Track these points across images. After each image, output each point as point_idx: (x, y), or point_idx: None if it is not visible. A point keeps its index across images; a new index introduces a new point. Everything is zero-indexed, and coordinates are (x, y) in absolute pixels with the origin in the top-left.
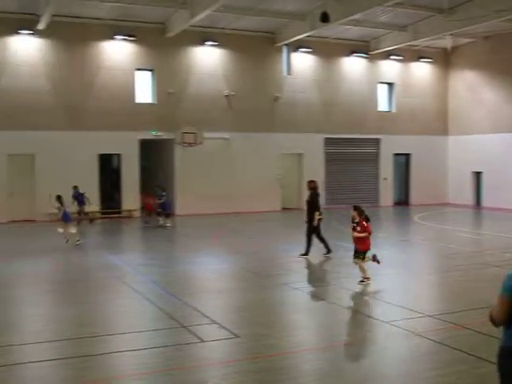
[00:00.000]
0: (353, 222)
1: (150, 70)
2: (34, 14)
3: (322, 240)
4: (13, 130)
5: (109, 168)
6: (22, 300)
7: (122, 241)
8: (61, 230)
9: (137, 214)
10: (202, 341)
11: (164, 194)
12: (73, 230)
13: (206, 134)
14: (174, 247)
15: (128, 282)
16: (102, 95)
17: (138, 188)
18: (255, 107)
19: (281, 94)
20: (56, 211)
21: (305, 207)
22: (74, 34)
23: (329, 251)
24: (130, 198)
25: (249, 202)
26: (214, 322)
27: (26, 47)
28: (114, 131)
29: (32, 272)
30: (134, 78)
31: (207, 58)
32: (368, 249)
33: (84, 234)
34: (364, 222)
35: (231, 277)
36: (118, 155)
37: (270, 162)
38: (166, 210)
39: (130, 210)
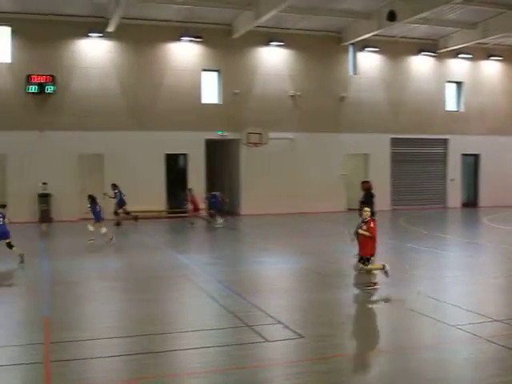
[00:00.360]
0: (362, 222)
1: (216, 71)
2: (103, 17)
3: None
4: (83, 131)
5: (175, 168)
6: (92, 297)
7: (188, 240)
8: (91, 228)
9: (202, 213)
10: (266, 340)
11: (214, 194)
12: (104, 229)
13: (271, 134)
14: (239, 247)
15: (194, 281)
16: (169, 96)
17: (204, 188)
18: (320, 107)
19: (347, 93)
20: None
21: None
22: (141, 36)
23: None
24: (197, 197)
25: (313, 203)
26: (279, 322)
27: (96, 50)
28: (181, 131)
29: (102, 269)
30: (200, 79)
31: (273, 59)
32: (371, 253)
33: (145, 233)
34: (372, 223)
35: (296, 277)
36: (185, 155)
37: (335, 163)
38: (219, 211)
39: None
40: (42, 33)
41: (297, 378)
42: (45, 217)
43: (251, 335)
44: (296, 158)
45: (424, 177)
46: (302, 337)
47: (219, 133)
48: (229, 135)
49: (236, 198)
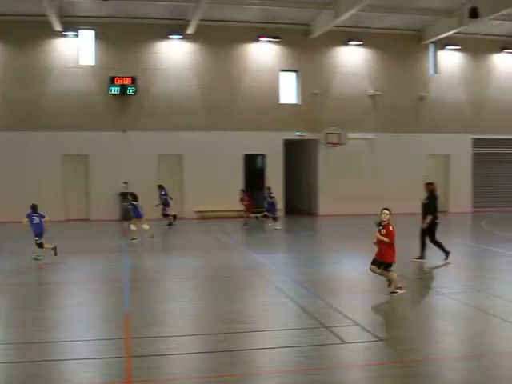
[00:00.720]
0: (380, 225)
1: (295, 71)
2: (182, 20)
3: (438, 244)
4: (163, 131)
5: (253, 168)
6: (171, 294)
7: (265, 240)
8: (133, 228)
9: (280, 213)
10: (344, 342)
11: (272, 194)
12: (146, 226)
13: (350, 135)
14: (316, 247)
15: (271, 280)
16: (248, 96)
17: (282, 188)
18: (400, 107)
19: (427, 93)
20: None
21: (451, 210)
22: (220, 37)
23: (447, 256)
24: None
25: (392, 204)
26: (356, 324)
27: (176, 51)
28: (259, 131)
29: (180, 267)
30: (278, 79)
31: (351, 58)
32: (392, 261)
33: (222, 232)
34: (390, 227)
35: (373, 278)
36: (263, 155)
37: (415, 164)
38: (272, 213)
39: None
40: (124, 36)
41: (374, 381)
42: (125, 215)
43: (329, 336)
44: (374, 159)
45: (508, 178)
46: (381, 340)
47: (297, 133)
48: (307, 135)
49: (314, 199)
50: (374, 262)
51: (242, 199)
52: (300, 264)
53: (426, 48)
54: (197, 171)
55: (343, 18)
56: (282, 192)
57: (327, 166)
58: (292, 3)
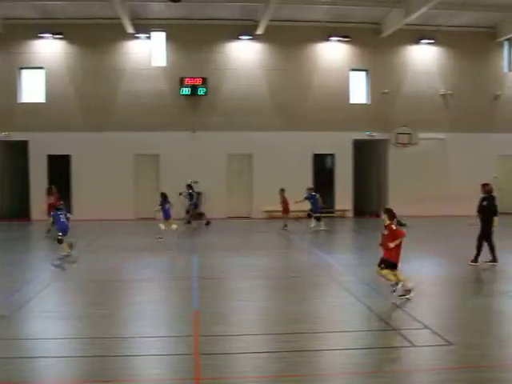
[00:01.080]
0: (402, 225)
1: (365, 70)
2: (252, 20)
3: (492, 247)
4: (232, 131)
5: (323, 168)
6: (239, 293)
7: (333, 240)
8: (162, 227)
9: (349, 214)
10: (413, 345)
11: (314, 194)
12: (174, 226)
13: (421, 135)
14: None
15: (340, 281)
16: (317, 96)
17: (351, 188)
18: (473, 106)
19: (502, 91)
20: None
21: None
22: (289, 37)
23: (494, 260)
24: (344, 198)
25: (463, 205)
26: (426, 327)
27: (245, 52)
28: (328, 131)
29: (247, 266)
30: (348, 79)
31: (422, 57)
32: (398, 260)
33: (291, 232)
34: (393, 226)
35: (442, 281)
36: (332, 155)
37: (487, 164)
38: (316, 213)
39: (342, 210)
40: (194, 37)
41: None
42: (191, 215)
43: (397, 339)
44: (446, 159)
45: None
46: (451, 344)
47: (367, 133)
48: (377, 135)
49: (383, 199)
50: (380, 265)
51: (282, 200)
52: (368, 265)
53: (500, 45)
54: (266, 171)
55: (414, 16)
56: (351, 193)
57: (397, 167)
58: (362, 2)
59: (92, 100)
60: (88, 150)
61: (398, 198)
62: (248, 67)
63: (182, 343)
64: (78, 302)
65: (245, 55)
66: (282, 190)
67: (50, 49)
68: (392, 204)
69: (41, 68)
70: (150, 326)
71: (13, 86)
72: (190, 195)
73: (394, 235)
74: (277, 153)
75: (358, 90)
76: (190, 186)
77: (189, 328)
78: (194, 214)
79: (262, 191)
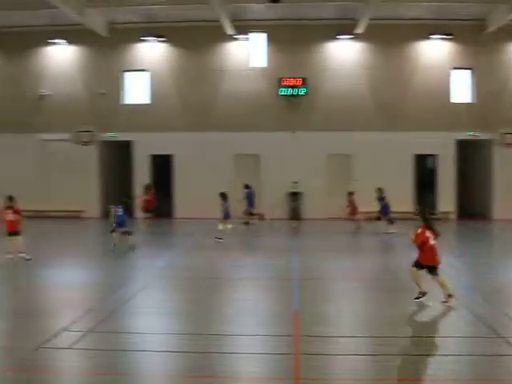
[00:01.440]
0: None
1: (468, 69)
2: (352, 19)
3: None
4: (332, 131)
5: (423, 169)
6: (338, 294)
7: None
8: (221, 227)
9: (452, 216)
10: None
11: (384, 195)
12: (229, 225)
13: None
14: (493, 252)
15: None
16: (418, 95)
17: (454, 190)
18: None
19: None
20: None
21: None
22: (389, 36)
23: None
24: (446, 199)
25: None
26: None
27: (345, 51)
28: (430, 131)
29: (345, 268)
30: (449, 77)
31: None
32: (426, 262)
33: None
34: (420, 229)
35: None
36: (434, 156)
37: None
38: (386, 214)
39: (445, 212)
40: (293, 37)
41: None
42: (295, 214)
43: (503, 347)
44: None
45: None
46: None
47: (470, 133)
48: (481, 135)
49: (488, 202)
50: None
51: (349, 202)
52: (474, 270)
53: None
54: (365, 171)
55: None
56: (453, 195)
57: (503, 168)
58: None
59: (193, 101)
60: (189, 149)
61: (505, 201)
62: (347, 66)
63: (281, 342)
64: (179, 299)
65: (344, 54)
66: (351, 193)
67: (153, 52)
68: (497, 207)
69: (144, 70)
70: (249, 324)
71: (117, 89)
72: (248, 195)
73: (416, 237)
74: (377, 153)
75: (461, 89)
76: (247, 187)
77: (288, 328)
78: (250, 213)
79: (360, 192)
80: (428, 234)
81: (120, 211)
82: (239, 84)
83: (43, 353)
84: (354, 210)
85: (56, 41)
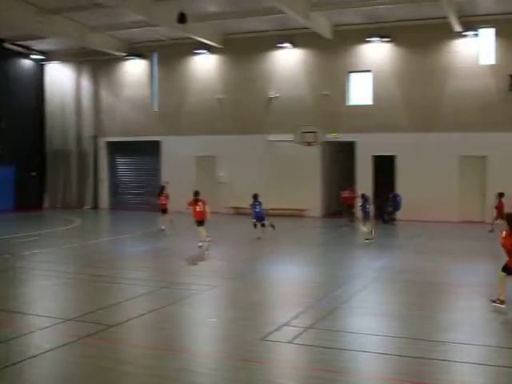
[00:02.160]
0: None
1: None
2: None
3: None
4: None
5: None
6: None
7: None
8: (364, 229)
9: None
10: None
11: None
12: (364, 229)
13: None
14: None
15: None
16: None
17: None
18: None
19: None
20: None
21: None
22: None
23: None
24: None
25: None
26: None
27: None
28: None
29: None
30: None
31: None
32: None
33: None
34: (505, 232)
35: None
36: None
37: None
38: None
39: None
40: None
41: None
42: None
43: None
44: None
45: None
46: None
47: None
48: None
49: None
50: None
51: (499, 205)
52: None
53: None
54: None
55: None
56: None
57: None
58: None
59: (417, 101)
60: (412, 150)
61: None
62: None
63: (502, 354)
64: (397, 302)
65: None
66: (501, 195)
67: (377, 52)
68: None
69: (367, 71)
70: (469, 332)
71: (343, 90)
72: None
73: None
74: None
75: None
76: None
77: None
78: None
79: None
80: None
81: (258, 207)
82: (466, 82)
83: (266, 345)
84: (500, 212)
85: (283, 45)
